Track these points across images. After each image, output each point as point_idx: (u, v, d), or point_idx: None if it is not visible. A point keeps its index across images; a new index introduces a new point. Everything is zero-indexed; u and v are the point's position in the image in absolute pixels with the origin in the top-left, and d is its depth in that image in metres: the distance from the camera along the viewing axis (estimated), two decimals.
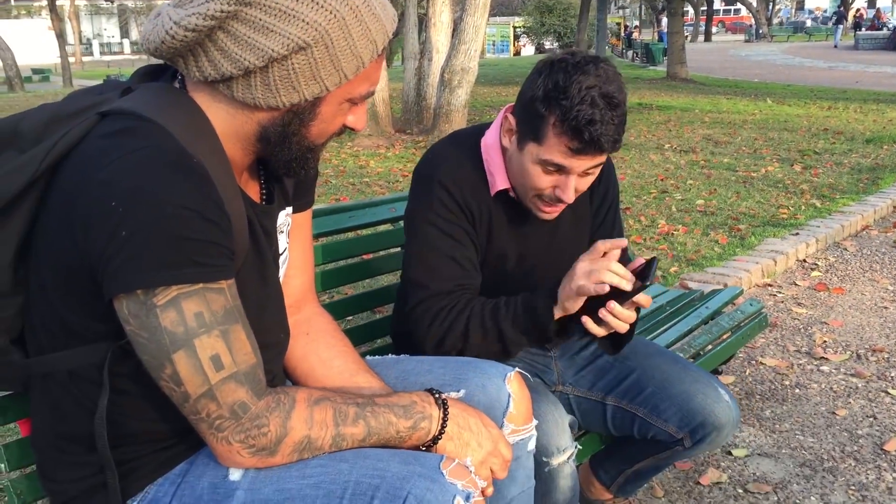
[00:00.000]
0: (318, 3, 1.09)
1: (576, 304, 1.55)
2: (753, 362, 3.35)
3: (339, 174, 7.65)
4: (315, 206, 2.04)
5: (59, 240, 1.08)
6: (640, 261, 1.53)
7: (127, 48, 59.10)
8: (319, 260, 2.00)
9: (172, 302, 1.04)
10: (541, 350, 1.93)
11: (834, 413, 2.88)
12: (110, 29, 60.76)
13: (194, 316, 1.06)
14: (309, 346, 1.47)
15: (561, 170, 1.57)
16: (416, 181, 1.74)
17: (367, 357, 1.56)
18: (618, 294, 1.49)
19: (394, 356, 1.61)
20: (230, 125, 1.17)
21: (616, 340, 1.68)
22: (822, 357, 3.39)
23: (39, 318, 1.16)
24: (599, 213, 1.88)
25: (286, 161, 1.22)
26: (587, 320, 1.55)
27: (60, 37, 30.06)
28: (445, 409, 1.28)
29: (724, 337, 2.51)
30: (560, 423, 1.64)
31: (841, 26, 39.36)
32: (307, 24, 1.09)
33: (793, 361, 3.36)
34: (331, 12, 1.10)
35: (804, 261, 4.93)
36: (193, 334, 1.06)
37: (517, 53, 47.49)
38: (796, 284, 4.46)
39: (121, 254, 1.02)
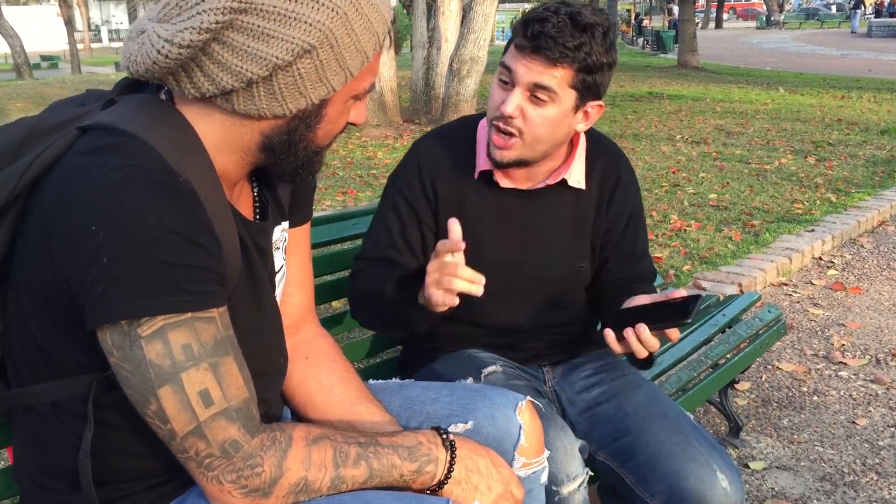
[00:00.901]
0: (317, 2, 1.01)
1: (436, 309, 1.40)
2: (770, 367, 3.26)
3: (347, 166, 7.56)
4: (317, 213, 1.97)
5: (38, 264, 1.01)
6: (680, 292, 1.45)
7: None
8: (322, 271, 1.92)
9: (158, 333, 0.96)
10: (538, 382, 1.78)
11: (854, 422, 2.79)
12: (119, 15, 60.67)
13: (182, 348, 0.98)
14: (308, 370, 1.39)
15: (511, 78, 1.53)
16: (403, 158, 1.77)
17: (370, 382, 1.49)
18: (649, 315, 1.42)
19: (398, 381, 1.52)
20: (225, 137, 1.09)
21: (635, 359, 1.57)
22: (841, 362, 3.30)
23: (20, 347, 1.09)
24: (616, 228, 1.77)
25: (293, 168, 1.15)
26: (608, 333, 1.46)
27: (69, 23, 30.03)
28: (453, 451, 1.20)
29: (743, 346, 2.42)
30: (570, 450, 1.52)
31: (859, 12, 38.85)
32: (310, 25, 1.01)
33: (810, 366, 3.27)
34: (332, 10, 1.02)
35: (820, 258, 4.82)
36: (181, 368, 0.98)
37: None
38: (812, 283, 4.37)
39: (102, 282, 0.94)
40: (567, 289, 1.78)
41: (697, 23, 22.58)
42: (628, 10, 43.43)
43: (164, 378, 0.97)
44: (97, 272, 0.94)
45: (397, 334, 1.77)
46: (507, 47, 1.57)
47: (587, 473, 1.54)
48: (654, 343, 1.43)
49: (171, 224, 0.95)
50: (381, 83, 10.04)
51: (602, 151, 1.76)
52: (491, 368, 1.70)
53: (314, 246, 1.91)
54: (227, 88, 1.02)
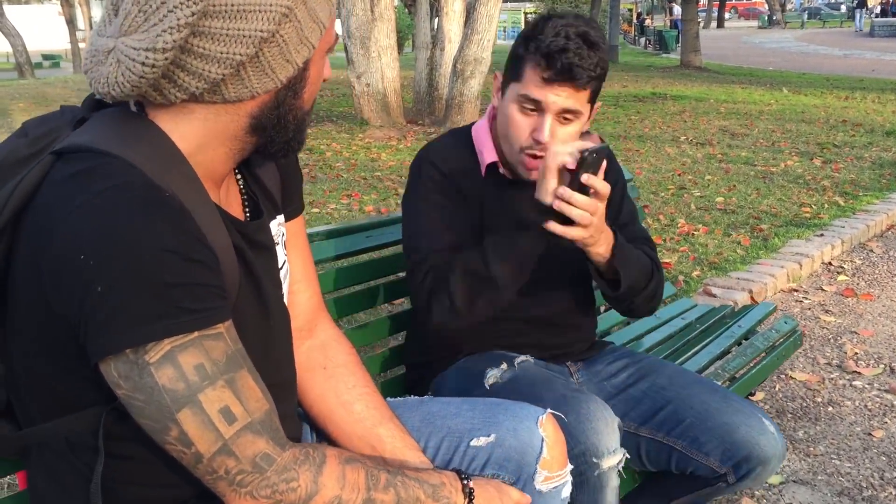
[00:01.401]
0: None
1: (546, 190, 1.50)
2: (783, 377, 3.22)
3: (351, 168, 7.52)
4: (328, 226, 1.94)
5: (32, 302, 0.96)
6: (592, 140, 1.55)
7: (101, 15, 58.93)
8: (336, 286, 1.88)
9: (167, 357, 0.92)
10: (563, 376, 1.80)
11: (870, 434, 2.75)
12: None
13: (194, 369, 0.94)
14: (327, 383, 1.35)
15: (538, 107, 1.58)
16: (409, 172, 1.80)
17: (388, 399, 1.45)
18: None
19: (417, 398, 1.49)
20: (209, 132, 1.03)
21: (610, 277, 1.65)
22: (855, 371, 3.26)
23: (26, 386, 1.04)
24: (611, 201, 1.74)
25: (284, 142, 1.11)
26: (551, 223, 1.50)
27: (71, 22, 29.97)
28: (471, 499, 1.18)
29: (759, 358, 2.38)
30: (610, 423, 1.55)
31: (863, 10, 38.76)
32: None
33: (824, 376, 3.23)
34: None
35: (829, 263, 4.78)
36: (197, 389, 0.94)
37: None
38: (823, 290, 4.33)
39: (99, 312, 0.90)
40: (579, 275, 1.80)
41: (699, 22, 22.50)
42: (630, 10, 43.37)
43: (181, 402, 0.93)
44: (93, 303, 0.90)
45: (488, 311, 1.70)
46: (516, 74, 1.61)
47: (624, 454, 1.56)
48: (583, 199, 1.46)
49: (163, 243, 0.91)
50: (384, 84, 10.01)
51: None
52: (522, 358, 1.76)
53: (328, 260, 1.88)
54: (216, 79, 0.98)
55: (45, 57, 35.02)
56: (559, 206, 1.47)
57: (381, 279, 2.00)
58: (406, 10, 21.03)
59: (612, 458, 1.52)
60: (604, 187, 1.48)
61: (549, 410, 1.38)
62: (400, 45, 19.08)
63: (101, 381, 0.96)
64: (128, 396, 0.94)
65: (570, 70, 1.54)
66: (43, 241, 0.93)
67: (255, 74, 1.00)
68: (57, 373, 0.99)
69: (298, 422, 1.32)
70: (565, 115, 1.59)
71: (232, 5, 0.95)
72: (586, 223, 1.49)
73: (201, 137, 1.03)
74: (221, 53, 0.96)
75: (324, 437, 1.35)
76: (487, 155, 1.72)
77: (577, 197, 1.47)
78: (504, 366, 1.71)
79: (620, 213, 1.82)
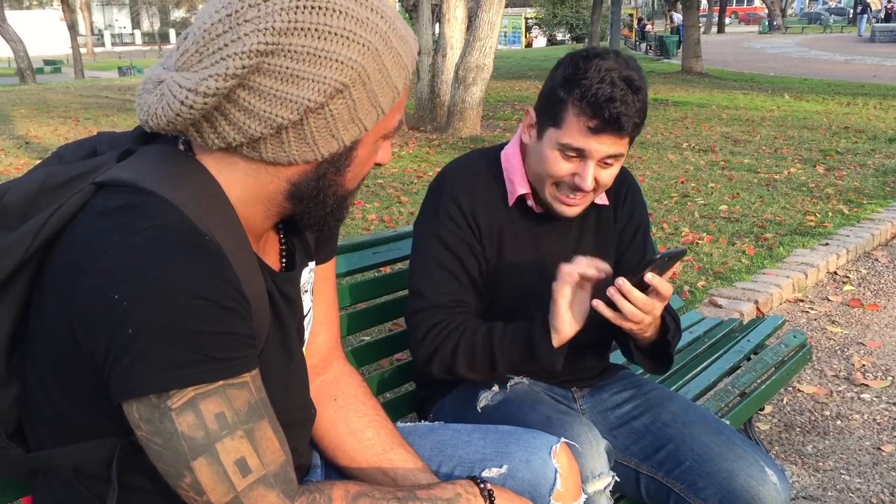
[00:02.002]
0: (347, 38, 0.95)
1: (560, 318, 1.45)
2: (791, 389, 3.19)
3: None
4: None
5: (56, 331, 0.94)
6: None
7: (138, 39, 59.07)
8: (342, 303, 1.86)
9: (190, 404, 0.91)
10: (567, 402, 1.78)
11: (880, 449, 2.73)
12: (122, 20, 60.72)
13: (215, 417, 0.92)
14: (338, 413, 1.34)
15: (580, 154, 1.52)
16: (428, 192, 1.71)
17: (399, 425, 1.43)
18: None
19: (427, 424, 1.47)
20: (249, 188, 1.03)
21: (654, 355, 1.59)
22: (863, 383, 3.24)
23: (38, 411, 1.03)
24: (625, 236, 1.77)
25: (320, 217, 1.09)
26: (598, 303, 1.43)
27: (72, 28, 30.02)
28: (491, 502, 1.15)
29: (769, 374, 2.36)
30: (595, 446, 1.50)
31: (866, 16, 38.76)
32: (341, 63, 0.95)
33: (832, 388, 3.21)
34: (363, 45, 0.97)
35: (835, 273, 4.76)
36: (215, 438, 0.92)
37: (529, 45, 47.18)
38: (829, 300, 4.30)
39: (128, 354, 0.88)
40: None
41: (700, 27, 22.50)
42: (630, 15, 43.41)
43: (198, 450, 0.92)
44: (122, 344, 0.88)
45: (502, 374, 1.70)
46: (554, 118, 1.53)
47: (613, 477, 1.51)
48: (644, 299, 1.39)
49: (198, 289, 0.90)
50: None
51: None
52: (516, 380, 1.72)
53: (335, 277, 1.86)
54: (255, 136, 0.96)
55: (47, 62, 35.09)
56: (613, 295, 1.39)
57: (388, 296, 1.98)
58: (408, 16, 21.01)
59: (599, 482, 1.47)
60: (666, 289, 1.40)
61: (562, 440, 1.36)
62: None
63: (118, 415, 0.94)
64: (146, 438, 0.93)
65: (617, 121, 1.47)
66: (76, 273, 0.91)
67: (296, 141, 0.98)
68: (73, 402, 0.98)
69: (310, 451, 1.31)
70: (607, 160, 1.54)
71: (287, 68, 0.93)
72: (637, 321, 1.41)
73: (242, 190, 1.02)
74: (265, 112, 0.95)
75: (334, 466, 1.33)
76: (519, 185, 1.65)
77: (635, 293, 1.38)
78: (495, 388, 1.68)
79: (639, 253, 1.77)
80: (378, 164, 1.13)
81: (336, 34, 0.94)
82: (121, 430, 0.96)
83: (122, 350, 0.88)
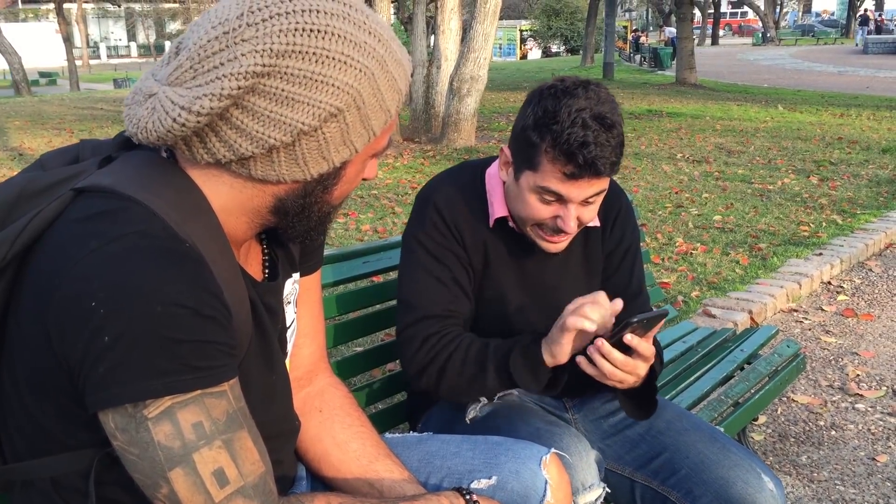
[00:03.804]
0: (344, 63, 0.95)
1: (561, 350, 1.42)
2: (785, 399, 3.18)
3: None
4: (325, 252, 1.90)
5: (33, 338, 0.93)
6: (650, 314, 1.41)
7: (134, 51, 59.14)
8: (333, 312, 1.84)
9: (166, 413, 0.89)
10: (558, 411, 1.77)
11: (874, 459, 2.71)
12: (117, 32, 60.79)
13: (192, 427, 0.90)
14: (323, 425, 1.32)
15: (560, 199, 1.49)
16: (414, 203, 1.70)
17: (386, 435, 1.42)
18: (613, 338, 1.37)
19: (415, 434, 1.46)
20: (233, 200, 1.01)
21: (639, 401, 1.54)
22: (857, 393, 3.23)
23: (15, 421, 1.01)
24: (613, 259, 1.73)
25: (304, 231, 1.08)
26: (581, 360, 1.40)
27: (68, 40, 30.04)
28: None
29: (763, 383, 2.35)
30: (585, 457, 1.49)
31: (866, 28, 38.92)
32: (337, 87, 0.95)
33: (826, 398, 3.20)
34: (360, 70, 0.96)
35: (829, 283, 4.76)
36: (192, 448, 0.90)
37: (524, 57, 47.35)
38: (822, 310, 4.30)
39: (103, 362, 0.87)
40: None
41: (694, 39, 22.62)
42: (625, 27, 43.61)
43: (174, 460, 0.90)
44: (98, 352, 0.86)
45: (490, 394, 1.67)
46: (529, 162, 1.49)
47: (605, 489, 1.50)
48: (623, 359, 1.36)
49: (176, 297, 0.88)
50: None
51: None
52: (506, 391, 1.68)
53: (325, 286, 1.84)
54: (246, 155, 0.95)
55: (42, 74, 35.09)
56: (592, 354, 1.36)
57: (380, 305, 1.97)
58: (402, 27, 21.08)
59: (589, 495, 1.45)
60: (647, 350, 1.37)
61: (553, 450, 1.34)
62: None
63: (95, 425, 0.93)
64: (122, 448, 0.91)
65: (593, 165, 1.42)
66: (53, 279, 0.90)
67: (287, 162, 0.98)
68: (50, 412, 0.96)
69: (295, 463, 1.29)
70: (589, 199, 1.50)
71: (282, 90, 0.93)
72: (618, 380, 1.39)
73: (225, 201, 1.01)
74: (257, 132, 0.94)
75: (320, 478, 1.31)
76: (498, 208, 1.63)
77: (615, 354, 1.35)
78: (484, 399, 1.66)
79: (631, 280, 1.73)
80: (365, 179, 1.12)
81: (333, 58, 0.94)
82: (98, 441, 0.94)
83: (97, 358, 0.87)
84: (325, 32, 0.94)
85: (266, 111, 0.93)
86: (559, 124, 1.43)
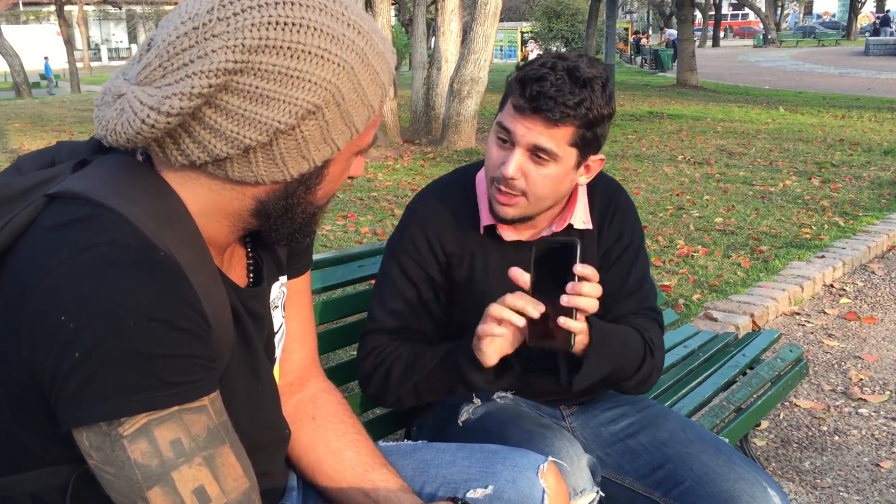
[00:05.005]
0: (321, 57, 0.90)
1: (485, 355, 1.38)
2: (787, 404, 3.14)
3: (347, 188, 7.46)
4: (319, 256, 1.86)
5: (7, 352, 0.89)
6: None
7: (135, 53, 59.14)
8: (328, 317, 1.81)
9: (143, 431, 0.85)
10: (556, 420, 1.72)
11: (878, 465, 2.68)
12: (119, 34, 60.81)
13: (170, 444, 0.86)
14: (316, 432, 1.29)
15: (509, 138, 1.46)
16: (405, 210, 1.68)
17: (380, 444, 1.38)
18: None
19: (410, 443, 1.42)
20: (212, 204, 0.97)
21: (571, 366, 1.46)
22: (860, 398, 3.19)
23: None
24: (609, 258, 1.66)
25: (288, 233, 1.04)
26: (565, 320, 1.31)
27: (69, 42, 30.05)
28: None
29: (765, 388, 2.32)
30: (577, 462, 1.44)
31: (888, 29, 38.61)
32: (315, 84, 0.90)
33: (829, 403, 3.16)
34: (338, 64, 0.91)
35: (831, 286, 4.72)
36: (171, 466, 0.86)
37: (524, 59, 47.27)
38: (825, 313, 4.26)
39: (74, 379, 0.83)
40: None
41: (695, 41, 22.60)
42: (626, 29, 43.59)
43: (152, 479, 0.86)
44: (69, 368, 0.82)
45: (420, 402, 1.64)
46: (502, 104, 1.50)
47: (598, 493, 1.45)
48: (585, 287, 1.29)
49: (150, 310, 0.84)
50: None
51: (600, 184, 1.68)
52: (501, 394, 1.67)
53: (320, 291, 1.81)
54: (221, 156, 0.91)
55: (43, 77, 35.06)
56: (573, 301, 1.30)
57: None
58: (403, 29, 21.05)
59: (582, 499, 1.41)
60: (592, 273, 1.32)
61: (550, 458, 1.31)
62: (397, 65, 19.06)
63: (72, 441, 0.89)
64: (98, 467, 0.88)
65: (537, 98, 1.39)
66: (23, 291, 0.86)
67: (265, 162, 0.93)
68: (26, 426, 0.93)
69: (285, 472, 1.26)
70: (538, 154, 1.45)
71: (256, 87, 0.88)
72: (594, 308, 1.33)
73: (204, 205, 0.97)
74: (232, 132, 0.89)
75: (313, 487, 1.28)
76: (486, 216, 1.59)
77: (585, 286, 1.30)
78: (477, 401, 1.63)
79: (628, 279, 1.65)
80: (351, 178, 1.08)
81: (310, 53, 0.89)
82: (76, 457, 0.91)
83: (68, 374, 0.83)
84: (301, 25, 0.89)
85: (240, 110, 0.89)
86: (532, 63, 1.44)
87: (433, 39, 11.38)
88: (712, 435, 1.62)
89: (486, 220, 1.60)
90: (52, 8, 34.35)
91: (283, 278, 1.22)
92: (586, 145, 1.48)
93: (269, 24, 0.87)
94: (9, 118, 14.13)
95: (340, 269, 1.86)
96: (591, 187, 1.66)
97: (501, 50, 46.41)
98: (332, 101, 0.92)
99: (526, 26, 48.12)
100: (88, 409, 0.84)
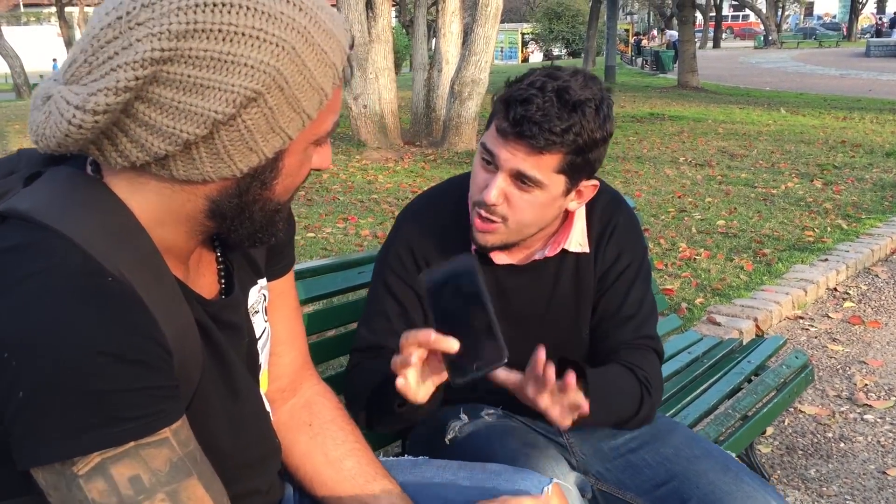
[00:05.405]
0: (257, 38, 0.82)
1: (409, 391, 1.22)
2: (792, 410, 3.11)
3: (348, 190, 7.44)
4: (319, 262, 1.84)
5: None
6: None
7: None
8: (325, 325, 1.78)
9: (98, 469, 0.80)
10: (553, 435, 1.65)
11: (885, 472, 2.64)
12: None
13: (129, 482, 0.81)
14: (314, 440, 1.25)
15: (493, 161, 1.37)
16: (395, 222, 1.61)
17: (381, 459, 1.35)
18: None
19: (409, 459, 1.38)
20: (165, 210, 0.91)
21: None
22: (866, 404, 3.16)
23: None
24: (605, 281, 1.57)
25: (249, 234, 0.97)
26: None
27: (69, 43, 30.02)
28: None
29: (771, 396, 2.28)
30: (563, 480, 1.37)
31: None
32: (251, 67, 0.83)
33: (834, 409, 3.13)
34: (277, 45, 0.84)
35: (835, 289, 4.69)
36: None
37: (525, 60, 47.32)
38: (829, 317, 4.23)
39: (21, 420, 0.78)
40: (575, 357, 1.58)
41: (696, 42, 22.58)
42: (626, 30, 43.59)
43: None
44: (14, 409, 0.78)
45: (394, 428, 1.60)
46: (488, 123, 1.42)
47: None
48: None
49: (97, 343, 0.78)
50: (381, 105, 9.96)
51: (599, 203, 1.58)
52: (491, 411, 1.60)
53: (315, 299, 1.78)
54: (160, 154, 0.84)
55: (43, 78, 35.02)
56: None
57: None
58: (404, 30, 21.02)
59: None
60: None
61: (555, 480, 1.27)
62: (397, 66, 19.08)
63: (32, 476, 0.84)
64: None
65: (521, 123, 1.30)
66: None
67: (209, 158, 0.86)
68: None
69: (279, 485, 1.21)
70: (522, 180, 1.36)
71: (188, 76, 0.81)
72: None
73: (157, 211, 0.91)
74: (167, 127, 0.83)
75: (310, 497, 1.24)
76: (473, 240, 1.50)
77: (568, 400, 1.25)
78: (465, 418, 1.57)
79: (625, 301, 1.55)
80: (318, 170, 1.01)
81: (243, 34, 0.82)
82: (39, 489, 0.86)
83: (15, 414, 0.78)
84: (232, 5, 0.81)
85: (173, 102, 0.82)
86: (520, 82, 1.35)
87: (434, 41, 11.35)
88: (720, 450, 1.57)
89: (474, 243, 1.51)
90: (53, 9, 34.34)
91: (262, 281, 1.16)
92: (576, 171, 1.38)
93: (196, 6, 0.81)
94: (9, 120, 14.10)
95: (340, 276, 1.83)
96: (590, 207, 1.57)
97: (502, 51, 46.41)
98: (274, 85, 0.85)
99: (526, 27, 48.09)
100: (39, 450, 0.79)
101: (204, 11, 0.80)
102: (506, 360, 1.13)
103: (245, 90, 0.83)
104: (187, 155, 0.86)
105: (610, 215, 1.59)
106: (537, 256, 1.54)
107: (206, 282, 1.03)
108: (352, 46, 0.94)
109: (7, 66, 23.58)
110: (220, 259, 1.07)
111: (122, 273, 0.84)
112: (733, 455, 1.57)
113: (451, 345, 1.10)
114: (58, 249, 0.82)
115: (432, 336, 1.12)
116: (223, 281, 1.06)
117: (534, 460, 1.39)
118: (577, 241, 1.54)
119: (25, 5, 53.95)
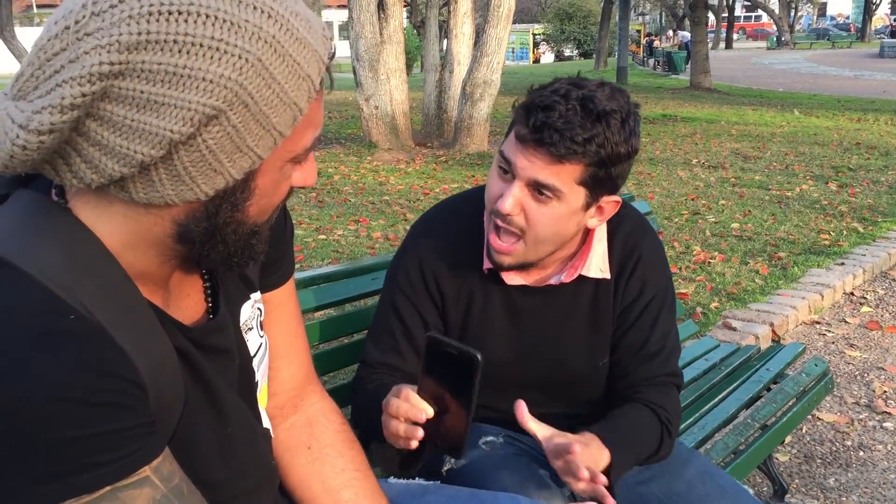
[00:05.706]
0: (217, 50, 0.75)
1: (387, 432, 1.21)
2: (810, 417, 3.06)
3: (359, 192, 7.42)
4: (331, 268, 1.80)
5: None
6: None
7: None
8: (336, 333, 1.75)
9: None
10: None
11: None
12: None
13: None
14: (312, 465, 1.18)
15: (510, 169, 1.31)
16: (407, 233, 1.56)
17: (391, 481, 1.30)
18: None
19: (421, 483, 1.33)
20: (133, 234, 0.84)
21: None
22: (885, 411, 3.11)
23: None
24: (628, 316, 1.49)
25: (223, 258, 0.90)
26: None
27: None
28: None
29: (790, 405, 2.24)
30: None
31: None
32: (211, 82, 0.75)
33: (853, 416, 3.08)
34: (240, 57, 0.76)
35: (852, 294, 4.63)
36: None
37: (536, 61, 47.24)
38: (846, 322, 4.17)
39: None
40: (585, 386, 1.55)
41: (708, 43, 22.47)
42: (638, 31, 43.43)
43: None
44: None
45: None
46: (508, 131, 1.37)
47: None
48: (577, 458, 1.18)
49: (60, 388, 0.73)
50: (392, 106, 9.94)
51: (623, 227, 1.51)
52: (490, 438, 1.52)
53: (326, 306, 1.75)
54: (115, 176, 0.77)
55: None
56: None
57: None
58: (415, 31, 21.01)
59: None
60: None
61: None
62: (409, 67, 19.05)
63: None
64: None
65: (541, 130, 1.24)
66: None
67: (170, 180, 0.79)
68: None
69: None
70: (539, 189, 1.30)
71: (142, 92, 0.74)
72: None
73: (125, 235, 0.84)
74: (121, 148, 0.75)
75: None
76: (487, 256, 1.44)
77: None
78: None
79: (650, 338, 1.47)
80: (301, 188, 0.94)
81: (202, 45, 0.74)
82: None
83: None
84: (189, 14, 0.74)
85: (126, 120, 0.75)
86: (543, 88, 1.30)
87: (445, 42, 11.31)
88: (735, 485, 1.48)
89: (486, 262, 1.45)
90: None
91: (256, 295, 1.10)
92: (598, 185, 1.32)
93: (149, 14, 0.73)
94: None
95: (352, 283, 1.80)
96: (613, 230, 1.50)
97: (513, 52, 46.32)
98: (238, 101, 0.77)
99: (538, 28, 48.03)
100: (8, 501, 0.75)
101: (158, 21, 0.73)
102: (463, 463, 1.18)
103: (204, 107, 0.76)
104: (146, 177, 0.79)
105: (634, 243, 1.50)
106: (552, 281, 1.47)
107: (190, 303, 0.97)
108: (332, 56, 0.87)
109: (19, 66, 23.70)
110: (206, 277, 1.01)
111: (88, 307, 0.78)
112: (750, 491, 1.48)
113: (423, 414, 1.12)
114: (16, 287, 0.76)
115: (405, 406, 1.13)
116: (210, 300, 1.00)
117: (525, 493, 1.32)
118: (598, 265, 1.47)
119: (38, 6, 54.26)
